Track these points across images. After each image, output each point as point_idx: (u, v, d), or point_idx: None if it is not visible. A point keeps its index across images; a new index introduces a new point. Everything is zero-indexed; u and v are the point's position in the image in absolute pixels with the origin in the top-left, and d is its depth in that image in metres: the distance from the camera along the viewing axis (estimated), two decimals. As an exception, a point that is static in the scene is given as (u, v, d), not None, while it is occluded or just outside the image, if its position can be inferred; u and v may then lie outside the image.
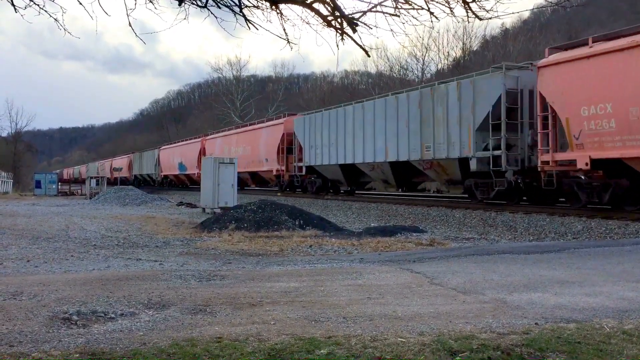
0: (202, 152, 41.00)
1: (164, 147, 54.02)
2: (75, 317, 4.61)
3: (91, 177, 44.70)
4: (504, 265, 7.32)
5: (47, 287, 5.89)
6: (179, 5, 4.75)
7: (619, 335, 4.00)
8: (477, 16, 4.85)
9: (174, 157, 48.66)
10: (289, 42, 4.99)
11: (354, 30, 4.65)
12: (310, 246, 11.21)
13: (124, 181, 56.49)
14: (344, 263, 7.96)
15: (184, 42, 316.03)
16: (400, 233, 13.33)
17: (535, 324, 4.35)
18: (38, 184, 45.24)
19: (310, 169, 27.69)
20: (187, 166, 45.20)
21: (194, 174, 41.65)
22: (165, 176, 52.20)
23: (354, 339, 3.95)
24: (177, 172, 47.93)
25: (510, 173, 16.14)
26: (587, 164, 13.50)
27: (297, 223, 14.28)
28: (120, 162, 68.54)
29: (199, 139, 43.94)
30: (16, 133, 74.76)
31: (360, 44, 4.89)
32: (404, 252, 9.60)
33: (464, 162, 17.66)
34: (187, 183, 47.31)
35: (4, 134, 73.54)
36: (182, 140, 51.68)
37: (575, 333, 4.05)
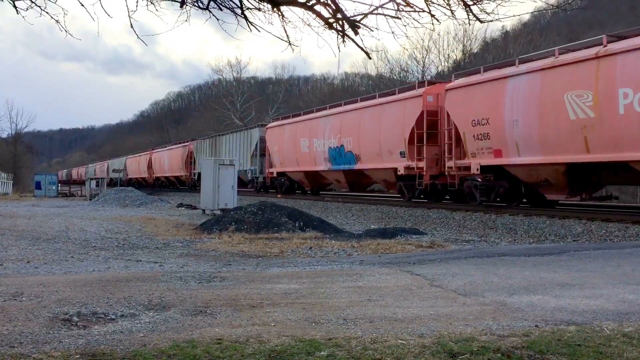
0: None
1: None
2: (75, 318, 4.61)
3: (91, 179, 44.70)
4: (504, 267, 7.32)
5: (47, 288, 5.89)
6: (181, 7, 4.76)
7: (619, 338, 4.00)
8: (477, 19, 4.86)
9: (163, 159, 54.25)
10: (290, 44, 5.01)
11: (356, 33, 4.67)
12: (311, 248, 11.21)
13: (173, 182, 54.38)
14: (344, 265, 7.96)
15: (183, 43, 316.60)
16: (400, 235, 13.33)
17: (536, 326, 4.35)
18: (38, 185, 45.23)
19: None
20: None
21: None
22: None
23: (354, 340, 3.95)
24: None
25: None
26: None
27: (297, 225, 14.30)
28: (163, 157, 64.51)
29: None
30: (16, 134, 74.86)
31: (362, 46, 4.90)
32: (404, 254, 9.60)
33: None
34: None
35: (4, 135, 73.65)
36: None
37: (575, 335, 4.05)
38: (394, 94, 21.66)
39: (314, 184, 28.63)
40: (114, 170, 66.17)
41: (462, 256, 8.51)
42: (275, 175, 30.50)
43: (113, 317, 4.71)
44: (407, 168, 19.82)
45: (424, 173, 19.23)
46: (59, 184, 59.51)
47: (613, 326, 4.31)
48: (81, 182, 68.54)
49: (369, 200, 23.81)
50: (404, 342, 3.91)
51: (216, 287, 6.10)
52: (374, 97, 23.18)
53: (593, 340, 3.94)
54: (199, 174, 37.86)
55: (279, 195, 29.22)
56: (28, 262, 8.86)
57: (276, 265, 8.12)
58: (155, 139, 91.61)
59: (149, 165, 57.13)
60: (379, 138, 21.35)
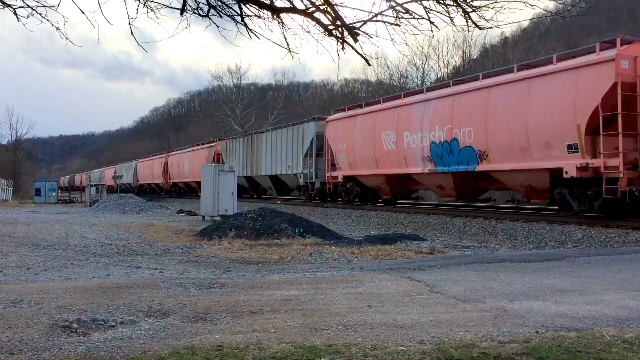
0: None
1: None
2: (75, 325, 4.60)
3: (91, 185, 44.68)
4: (504, 273, 7.31)
5: (47, 295, 5.89)
6: (181, 14, 4.78)
7: (619, 344, 3.99)
8: (477, 26, 4.88)
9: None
10: (290, 51, 5.02)
11: (355, 40, 4.69)
12: (311, 254, 11.20)
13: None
14: (344, 271, 7.95)
15: (183, 50, 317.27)
16: (400, 241, 13.33)
17: (536, 332, 4.35)
18: (38, 192, 45.28)
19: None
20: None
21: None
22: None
23: (354, 347, 3.94)
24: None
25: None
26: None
27: (297, 231, 14.29)
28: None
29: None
30: (16, 141, 74.92)
31: (361, 53, 4.92)
32: (404, 260, 9.60)
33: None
34: (198, 190, 49.75)
35: (4, 142, 73.73)
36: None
37: (575, 342, 4.05)
38: (544, 64, 15.49)
39: (398, 190, 23.13)
40: (114, 177, 65.03)
41: (462, 262, 8.51)
42: (341, 180, 24.91)
43: (113, 323, 4.71)
44: (583, 169, 13.69)
45: (620, 175, 12.89)
46: (61, 191, 59.54)
47: (613, 332, 4.31)
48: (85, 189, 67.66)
49: (368, 207, 23.47)
50: (404, 348, 3.91)
51: (216, 294, 6.10)
52: (510, 71, 16.57)
53: (593, 347, 3.93)
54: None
55: (279, 202, 29.07)
56: (28, 268, 8.86)
57: (276, 272, 8.11)
58: (156, 145, 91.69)
59: (165, 170, 51.95)
60: (525, 126, 15.21)
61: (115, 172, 68.32)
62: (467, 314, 5.02)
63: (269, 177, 32.63)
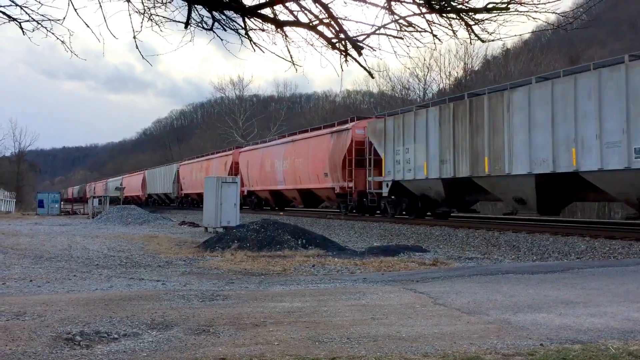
0: (233, 168, 37.67)
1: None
2: (78, 338, 4.60)
3: (94, 197, 44.69)
4: (507, 285, 7.29)
5: (50, 307, 5.88)
6: (185, 27, 4.81)
7: (624, 357, 3.97)
8: (479, 38, 4.91)
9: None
10: (294, 64, 5.06)
11: (359, 54, 4.71)
12: (313, 266, 11.18)
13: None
14: (347, 283, 7.93)
15: (184, 62, 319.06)
16: (403, 252, 13.29)
17: (540, 344, 4.32)
18: (41, 204, 45.31)
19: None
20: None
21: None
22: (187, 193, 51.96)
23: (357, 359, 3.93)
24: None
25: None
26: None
27: (299, 242, 14.26)
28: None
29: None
30: (19, 153, 75.11)
31: (364, 65, 4.95)
32: (407, 272, 9.57)
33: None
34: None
35: (8, 154, 73.91)
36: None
37: (580, 354, 4.03)
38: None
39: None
40: (116, 189, 63.34)
41: (466, 274, 8.48)
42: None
43: (116, 336, 4.70)
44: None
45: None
46: (68, 202, 59.08)
47: (618, 345, 4.28)
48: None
49: (371, 218, 23.55)
50: (408, 361, 3.89)
51: (219, 306, 6.08)
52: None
53: (598, 359, 3.91)
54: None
55: (282, 213, 29.01)
56: (31, 280, 8.85)
57: (279, 284, 8.09)
58: (158, 157, 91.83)
59: (233, 168, 38.10)
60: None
61: (144, 179, 60.52)
62: (471, 326, 5.00)
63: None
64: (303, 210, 32.87)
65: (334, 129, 26.52)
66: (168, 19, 5.09)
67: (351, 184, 24.18)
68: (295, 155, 29.70)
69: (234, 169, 37.19)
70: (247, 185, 35.21)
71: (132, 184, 65.45)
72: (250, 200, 36.26)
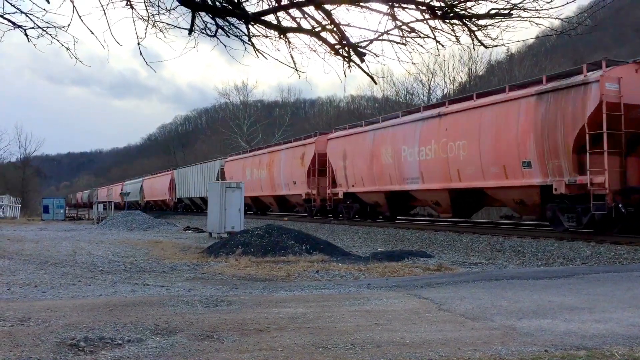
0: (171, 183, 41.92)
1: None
2: (82, 344, 4.60)
3: (98, 202, 44.81)
4: (512, 290, 7.26)
5: (54, 313, 5.89)
6: (189, 34, 4.84)
7: (630, 363, 3.95)
8: (482, 44, 4.91)
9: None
10: (297, 70, 5.07)
11: (362, 60, 4.72)
12: (317, 271, 11.17)
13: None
14: (351, 288, 7.92)
15: (188, 67, 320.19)
16: (408, 258, 13.26)
17: (545, 351, 4.31)
18: (46, 209, 45.45)
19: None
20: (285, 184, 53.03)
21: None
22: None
23: (362, 366, 3.92)
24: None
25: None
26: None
27: (304, 248, 14.25)
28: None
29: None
30: (25, 158, 75.43)
31: (368, 71, 4.96)
32: (411, 278, 9.55)
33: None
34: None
35: (13, 159, 74.24)
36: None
37: (585, 360, 4.01)
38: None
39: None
40: (122, 193, 58.83)
41: (470, 279, 8.46)
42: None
43: (120, 342, 4.70)
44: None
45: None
46: (74, 208, 59.09)
47: (624, 351, 4.26)
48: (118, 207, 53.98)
49: (375, 223, 23.66)
50: (412, 367, 3.88)
51: (223, 312, 6.08)
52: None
53: (603, 366, 3.89)
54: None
55: (285, 219, 29.01)
56: (35, 286, 8.88)
57: (283, 289, 8.09)
58: (163, 162, 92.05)
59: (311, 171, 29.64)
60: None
61: (172, 180, 51.13)
62: (475, 332, 4.98)
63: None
64: (301, 214, 32.84)
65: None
66: (172, 25, 5.12)
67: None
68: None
69: (318, 164, 27.97)
70: (343, 185, 26.00)
71: (155, 186, 57.64)
72: (347, 207, 26.43)
